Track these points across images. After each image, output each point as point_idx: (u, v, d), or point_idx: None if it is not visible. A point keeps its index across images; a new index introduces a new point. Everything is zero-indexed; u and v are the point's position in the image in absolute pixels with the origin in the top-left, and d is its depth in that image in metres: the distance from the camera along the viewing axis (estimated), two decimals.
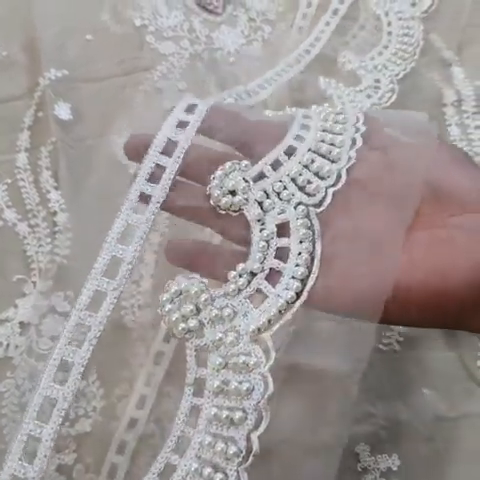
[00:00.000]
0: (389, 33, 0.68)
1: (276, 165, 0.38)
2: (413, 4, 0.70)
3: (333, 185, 0.37)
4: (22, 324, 0.53)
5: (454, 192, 0.34)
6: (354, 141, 0.38)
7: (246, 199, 0.37)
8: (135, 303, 0.55)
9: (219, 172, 0.37)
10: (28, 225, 0.58)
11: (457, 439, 0.49)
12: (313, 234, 0.35)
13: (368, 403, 0.50)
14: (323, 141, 0.39)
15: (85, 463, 0.48)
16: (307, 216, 0.36)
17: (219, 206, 0.37)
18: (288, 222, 0.36)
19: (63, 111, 0.64)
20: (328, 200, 0.36)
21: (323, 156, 0.38)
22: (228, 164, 0.38)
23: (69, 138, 0.63)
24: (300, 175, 0.37)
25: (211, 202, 0.37)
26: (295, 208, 0.36)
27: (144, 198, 0.40)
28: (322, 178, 0.37)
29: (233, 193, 0.37)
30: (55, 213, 0.58)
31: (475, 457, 0.49)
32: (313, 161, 0.38)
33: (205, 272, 0.37)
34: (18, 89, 0.66)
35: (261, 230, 0.36)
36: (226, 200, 0.37)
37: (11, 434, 0.48)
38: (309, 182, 0.37)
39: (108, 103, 0.66)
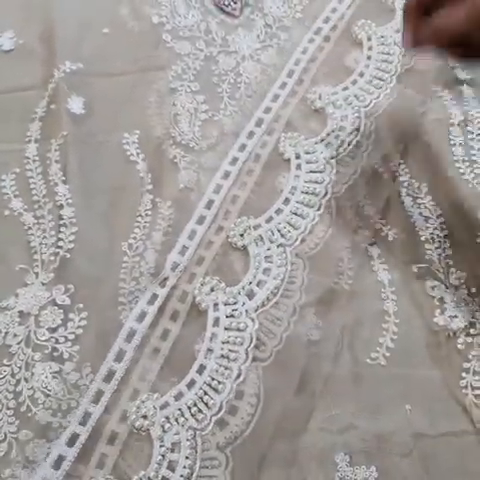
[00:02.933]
0: (368, 57, 0.69)
1: (178, 397, 0.51)
2: (397, 30, 0.71)
3: (216, 414, 0.50)
4: (21, 313, 0.55)
5: None
6: (238, 376, 0.51)
7: (153, 422, 0.49)
8: (133, 300, 0.56)
9: (137, 401, 0.50)
10: (34, 216, 0.59)
11: (435, 456, 0.50)
12: (195, 454, 0.48)
13: (351, 414, 0.52)
14: (217, 371, 0.52)
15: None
16: (193, 438, 0.49)
17: (134, 426, 0.49)
18: (180, 441, 0.49)
19: (76, 105, 0.65)
20: (210, 427, 0.49)
21: (213, 389, 0.51)
22: (145, 395, 0.51)
23: (80, 132, 0.64)
24: (194, 405, 0.50)
25: (129, 423, 0.50)
26: (186, 431, 0.49)
27: None
28: (209, 408, 0.50)
29: (145, 417, 0.50)
30: (61, 206, 0.59)
31: (451, 476, 0.50)
32: (206, 393, 0.51)
33: None
34: (32, 79, 0.67)
35: (160, 446, 0.48)
36: (139, 423, 0.49)
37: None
38: (200, 411, 0.50)
39: (121, 99, 0.67)
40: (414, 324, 0.56)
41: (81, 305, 0.55)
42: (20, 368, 0.52)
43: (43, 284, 0.56)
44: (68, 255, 0.57)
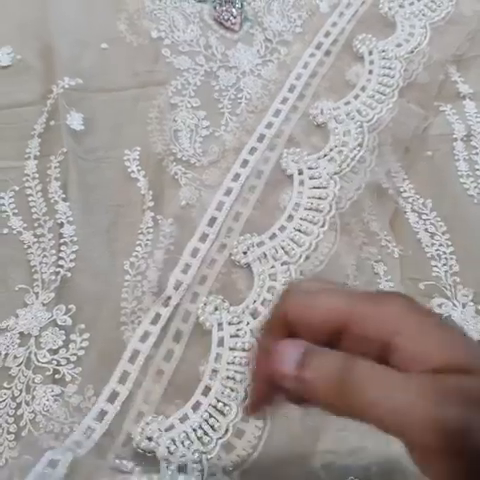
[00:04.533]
0: (370, 71, 0.69)
1: (183, 419, 0.49)
2: (398, 45, 0.70)
3: (222, 437, 0.48)
4: (22, 335, 0.53)
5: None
6: (245, 396, 0.50)
7: (158, 444, 0.48)
8: (135, 319, 0.55)
9: (142, 423, 0.49)
10: (33, 235, 0.58)
11: None
12: (202, 476, 0.47)
13: (360, 435, 0.51)
14: (222, 393, 0.50)
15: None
16: (200, 462, 0.47)
17: (139, 447, 0.48)
18: (185, 464, 0.47)
19: (75, 121, 0.64)
20: (216, 451, 0.48)
21: (219, 411, 0.49)
22: (149, 417, 0.49)
23: (80, 149, 0.63)
24: (200, 428, 0.49)
25: (134, 444, 0.49)
26: (192, 454, 0.47)
27: None
28: (215, 431, 0.48)
29: (150, 439, 0.48)
30: (62, 224, 0.58)
31: None
32: (211, 416, 0.49)
33: None
34: (31, 95, 0.66)
35: (167, 467, 0.47)
36: (144, 444, 0.48)
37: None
38: (205, 434, 0.48)
39: (121, 115, 0.66)
40: None
41: (83, 325, 0.54)
42: (21, 391, 0.51)
43: (44, 304, 0.55)
44: (69, 274, 0.56)
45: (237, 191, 0.61)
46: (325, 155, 0.63)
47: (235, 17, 0.74)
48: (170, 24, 0.73)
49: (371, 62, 0.69)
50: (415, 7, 0.73)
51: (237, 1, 0.75)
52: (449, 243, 0.59)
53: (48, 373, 0.52)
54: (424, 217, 0.61)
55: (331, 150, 0.63)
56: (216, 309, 0.54)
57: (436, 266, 0.58)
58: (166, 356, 0.53)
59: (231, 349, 0.52)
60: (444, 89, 0.69)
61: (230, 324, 0.54)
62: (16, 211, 0.59)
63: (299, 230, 0.58)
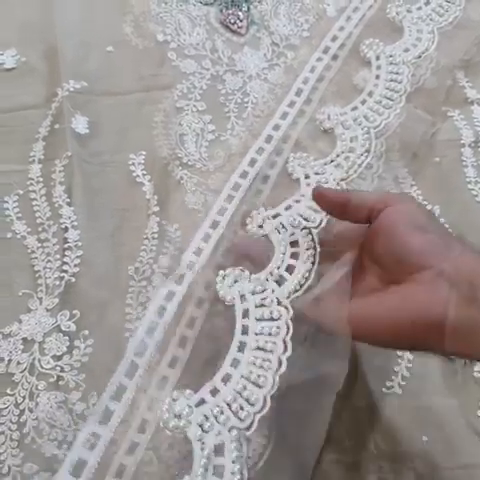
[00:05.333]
0: (377, 76, 0.68)
1: (214, 392, 0.46)
2: (406, 50, 0.70)
3: (260, 411, 0.44)
4: (25, 340, 0.53)
5: (413, 256, 0.42)
6: (279, 366, 0.46)
7: (189, 422, 0.44)
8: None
9: (168, 399, 0.45)
10: (38, 239, 0.58)
11: None
12: (242, 457, 0.43)
13: (365, 446, 0.50)
14: (254, 364, 0.46)
15: None
16: (238, 440, 0.43)
17: (167, 427, 0.44)
18: (224, 443, 0.43)
19: (80, 125, 0.64)
20: (254, 426, 0.44)
21: (253, 383, 0.45)
22: (175, 393, 0.46)
23: (85, 152, 0.62)
24: (234, 401, 0.45)
25: (161, 424, 0.45)
26: (229, 431, 0.44)
27: None
28: (252, 404, 0.44)
29: (179, 417, 0.44)
30: (66, 229, 0.58)
31: None
32: (245, 388, 0.45)
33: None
34: (35, 98, 0.66)
35: (202, 449, 0.43)
36: (173, 423, 0.44)
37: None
38: (241, 408, 0.44)
39: (126, 119, 0.65)
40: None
41: (87, 332, 0.54)
42: (24, 398, 0.51)
43: (47, 310, 0.54)
44: (73, 279, 0.56)
45: (241, 195, 0.60)
46: (332, 161, 0.62)
47: (241, 20, 0.74)
48: (176, 27, 0.72)
49: (378, 67, 0.68)
50: (423, 12, 0.72)
51: (244, 4, 0.74)
52: None
53: (52, 380, 0.51)
54: None
55: (338, 156, 0.62)
56: (236, 281, 0.51)
57: None
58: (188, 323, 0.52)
59: (258, 320, 0.48)
60: (452, 94, 0.68)
61: (254, 294, 0.50)
62: (20, 215, 0.59)
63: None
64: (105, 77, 0.68)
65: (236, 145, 0.65)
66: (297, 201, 0.57)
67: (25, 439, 0.49)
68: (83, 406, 0.50)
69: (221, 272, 0.52)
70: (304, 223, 0.54)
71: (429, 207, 0.61)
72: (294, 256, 0.52)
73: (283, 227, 0.54)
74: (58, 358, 0.52)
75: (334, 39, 0.72)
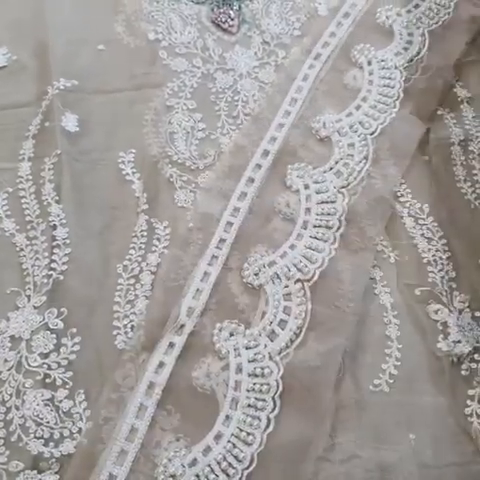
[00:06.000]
0: (370, 82, 0.68)
1: (206, 451, 0.48)
2: (397, 53, 0.70)
3: (247, 467, 0.47)
4: (13, 338, 0.53)
5: None
6: (268, 424, 0.49)
7: None
8: (128, 323, 0.54)
9: (164, 460, 0.47)
10: (26, 237, 0.58)
11: None
12: None
13: (353, 443, 0.50)
14: (244, 421, 0.49)
15: None
16: None
17: None
18: None
19: (70, 123, 0.64)
20: None
21: (242, 441, 0.48)
22: (171, 452, 0.47)
23: (74, 150, 0.62)
24: (224, 460, 0.47)
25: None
26: None
27: None
28: (240, 461, 0.47)
29: (174, 477, 0.47)
30: (55, 227, 0.58)
31: None
32: (235, 446, 0.48)
33: None
34: (26, 96, 0.66)
35: None
36: None
37: None
38: (230, 466, 0.47)
39: (116, 117, 0.65)
40: (417, 350, 0.55)
41: (74, 329, 0.53)
42: (11, 395, 0.50)
43: (35, 307, 0.54)
44: (61, 277, 0.56)
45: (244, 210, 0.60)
46: (331, 168, 0.62)
47: (233, 19, 0.74)
48: (167, 26, 0.72)
49: (370, 72, 0.68)
50: (412, 15, 0.72)
51: (235, 3, 0.74)
52: (446, 248, 0.59)
53: (39, 377, 0.51)
54: (421, 222, 0.60)
55: (336, 163, 0.62)
56: (231, 334, 0.53)
57: (432, 272, 0.58)
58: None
59: (250, 375, 0.51)
60: (442, 93, 0.68)
61: (247, 348, 0.52)
62: (9, 213, 0.59)
63: (310, 248, 0.57)
64: (96, 75, 0.68)
65: (226, 144, 0.65)
66: (293, 247, 0.57)
67: (11, 437, 0.49)
68: (70, 404, 0.50)
69: (218, 325, 0.53)
70: (298, 275, 0.55)
71: (418, 205, 0.61)
72: (287, 311, 0.54)
73: (278, 277, 0.55)
74: (45, 356, 0.52)
75: (325, 46, 0.71)
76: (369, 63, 0.69)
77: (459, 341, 0.54)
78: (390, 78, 0.67)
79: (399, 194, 0.62)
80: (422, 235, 0.60)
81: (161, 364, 0.51)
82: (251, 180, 0.61)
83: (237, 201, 0.60)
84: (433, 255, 0.59)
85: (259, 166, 0.62)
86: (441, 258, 0.58)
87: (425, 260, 0.58)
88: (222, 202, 0.60)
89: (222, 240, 0.58)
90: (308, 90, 0.68)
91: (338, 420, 0.51)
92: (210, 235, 0.58)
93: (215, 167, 0.63)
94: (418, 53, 0.69)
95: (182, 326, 0.53)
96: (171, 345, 0.52)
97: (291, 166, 0.62)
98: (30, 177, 0.61)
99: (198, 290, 0.55)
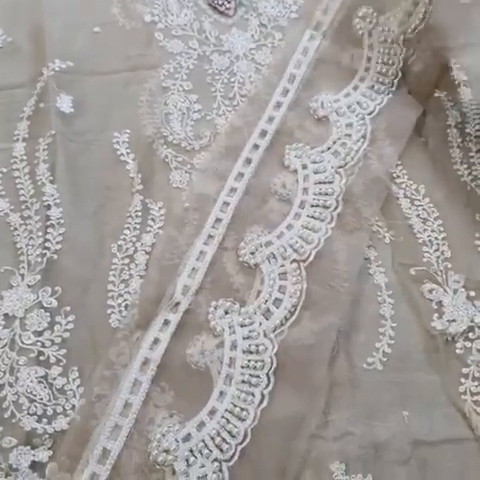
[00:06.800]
0: (368, 59, 0.67)
1: (200, 426, 0.48)
2: (400, 23, 0.67)
3: (241, 443, 0.48)
4: (6, 316, 0.53)
5: None
6: (261, 400, 0.49)
7: (176, 456, 0.47)
8: (122, 302, 0.54)
9: (158, 435, 0.47)
10: (20, 217, 0.57)
11: (434, 464, 0.49)
12: None
13: (346, 421, 0.50)
14: (238, 397, 0.49)
15: (59, 461, 0.48)
16: (220, 470, 0.47)
17: (156, 462, 0.47)
18: (206, 475, 0.47)
19: (65, 104, 0.63)
20: (236, 456, 0.47)
21: (236, 416, 0.49)
22: (165, 428, 0.48)
23: (69, 131, 0.62)
24: (218, 435, 0.48)
25: (150, 458, 0.47)
26: (212, 463, 0.47)
27: None
28: (234, 437, 0.48)
29: (167, 452, 0.47)
30: (49, 207, 0.58)
31: None
32: (229, 421, 0.48)
33: None
34: (20, 77, 0.66)
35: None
36: (161, 458, 0.47)
37: None
38: (224, 441, 0.48)
39: (111, 98, 0.65)
40: (411, 328, 0.55)
41: (68, 308, 0.54)
42: (4, 373, 0.50)
43: (29, 286, 0.54)
44: (55, 256, 0.56)
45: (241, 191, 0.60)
46: (329, 148, 0.62)
47: (229, 2, 0.73)
48: (164, 8, 0.72)
49: (370, 46, 0.67)
50: None
51: None
52: (441, 229, 0.59)
53: (32, 355, 0.51)
54: (416, 203, 0.60)
55: (334, 143, 0.62)
56: (226, 312, 0.53)
57: (428, 252, 0.58)
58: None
59: (244, 352, 0.51)
60: (439, 76, 0.68)
61: (242, 326, 0.52)
62: (3, 193, 0.59)
63: (307, 227, 0.57)
64: (91, 57, 0.68)
65: (222, 125, 0.65)
66: (289, 227, 0.57)
67: (4, 413, 0.49)
68: (63, 381, 0.50)
69: (213, 303, 0.53)
70: (294, 256, 0.55)
71: (414, 186, 0.61)
72: (282, 289, 0.54)
73: (274, 257, 0.56)
74: (39, 334, 0.52)
75: (325, 12, 0.71)
76: (370, 34, 0.68)
77: (454, 320, 0.54)
78: (389, 54, 0.67)
79: (395, 175, 0.62)
80: (418, 216, 0.60)
81: (156, 340, 0.52)
82: (248, 161, 0.61)
83: (234, 181, 0.60)
84: (428, 235, 0.58)
85: (257, 146, 0.62)
86: (436, 238, 0.58)
87: (420, 240, 0.58)
88: (218, 183, 0.60)
89: (218, 220, 0.58)
90: (307, 65, 0.67)
91: (332, 397, 0.51)
92: (206, 215, 0.58)
93: (211, 148, 0.63)
94: (419, 25, 0.67)
95: (177, 304, 0.53)
96: (166, 322, 0.52)
97: (289, 146, 0.62)
98: (24, 157, 0.61)
99: (194, 269, 0.55)
